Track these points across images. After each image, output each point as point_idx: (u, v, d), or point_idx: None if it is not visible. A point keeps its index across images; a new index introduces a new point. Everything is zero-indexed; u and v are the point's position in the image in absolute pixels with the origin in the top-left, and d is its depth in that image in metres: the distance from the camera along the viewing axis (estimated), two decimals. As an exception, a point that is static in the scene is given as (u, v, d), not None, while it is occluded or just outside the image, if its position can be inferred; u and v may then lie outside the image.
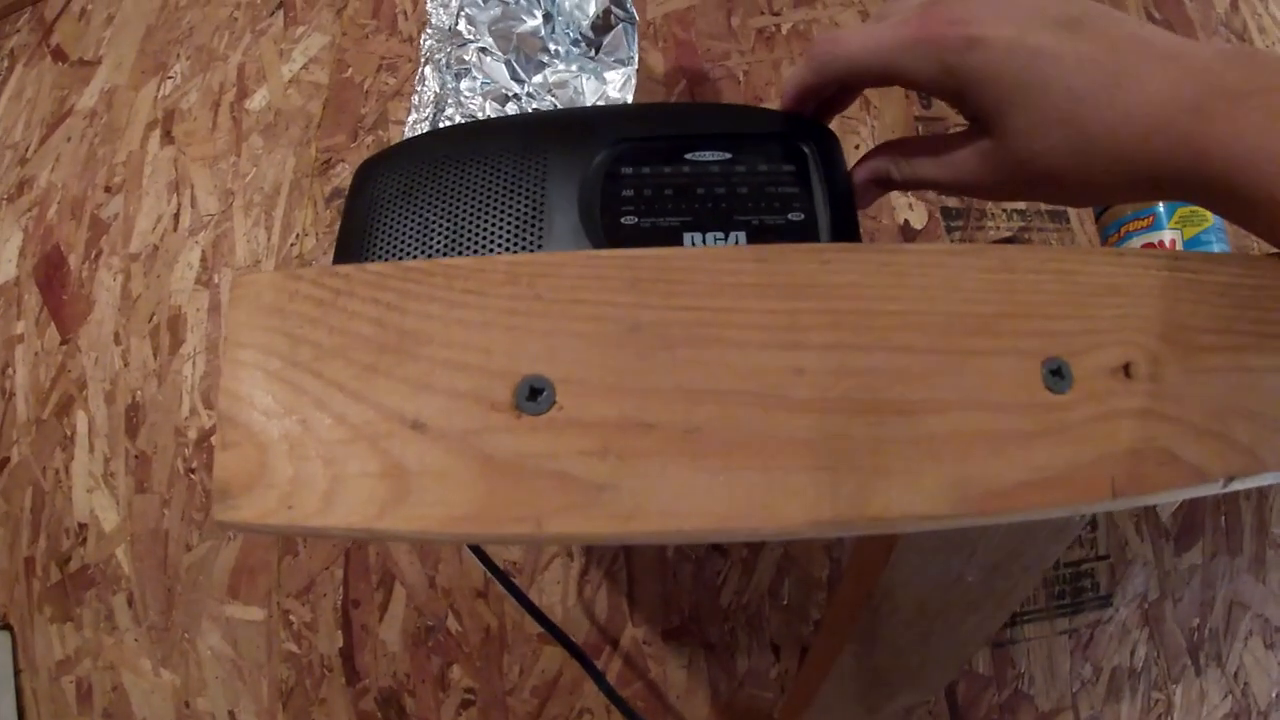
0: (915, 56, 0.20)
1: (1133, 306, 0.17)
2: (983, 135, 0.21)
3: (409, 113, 0.38)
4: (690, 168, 0.23)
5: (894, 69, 0.21)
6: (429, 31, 0.40)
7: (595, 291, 0.16)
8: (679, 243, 0.23)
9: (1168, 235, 0.41)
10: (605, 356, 0.15)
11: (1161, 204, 0.41)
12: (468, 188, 0.24)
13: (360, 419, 0.15)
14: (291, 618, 0.51)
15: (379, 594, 0.50)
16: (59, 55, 0.69)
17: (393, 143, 0.56)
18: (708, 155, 0.24)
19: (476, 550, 0.40)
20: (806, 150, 0.24)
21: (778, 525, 0.14)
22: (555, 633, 0.41)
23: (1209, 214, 0.40)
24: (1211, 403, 0.17)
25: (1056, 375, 0.16)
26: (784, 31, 0.59)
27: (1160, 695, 0.52)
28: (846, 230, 0.23)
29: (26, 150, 0.66)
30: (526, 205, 0.23)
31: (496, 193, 0.24)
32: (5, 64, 0.71)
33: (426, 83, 0.41)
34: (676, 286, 0.16)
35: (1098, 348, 0.17)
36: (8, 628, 0.56)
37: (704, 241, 0.23)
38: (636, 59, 0.43)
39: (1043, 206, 0.55)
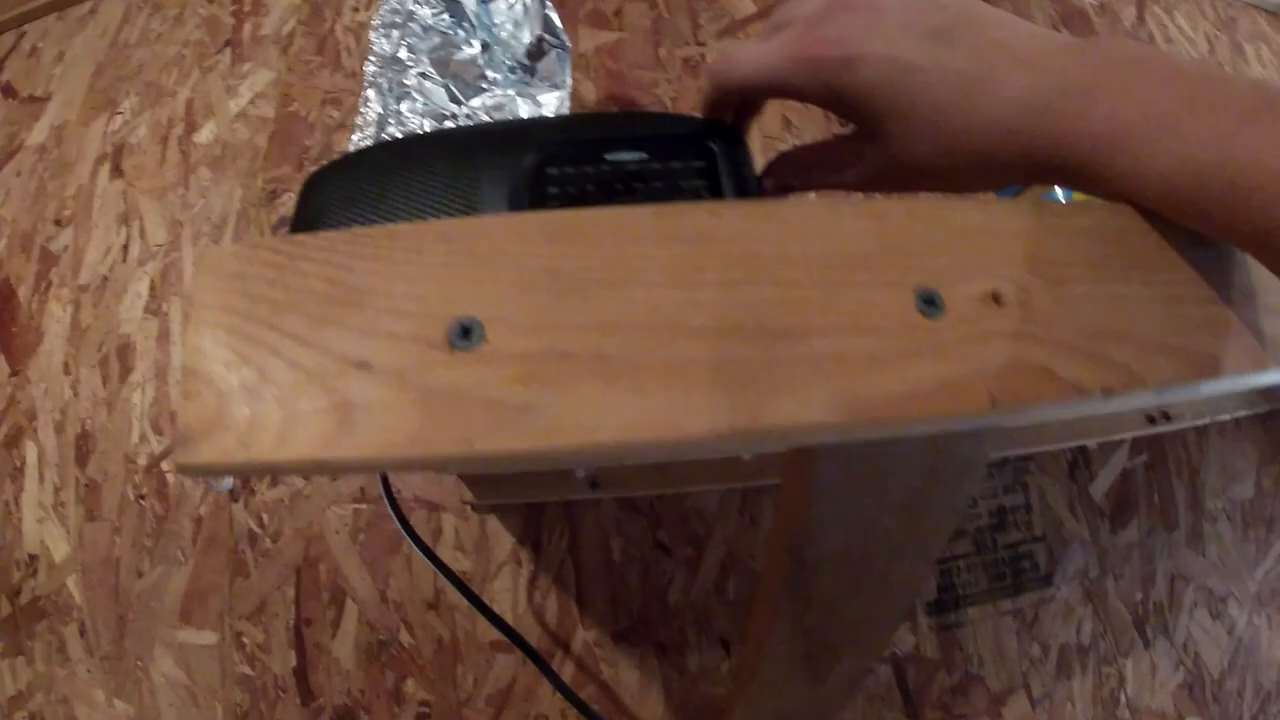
0: (799, 75, 0.23)
1: (998, 245, 0.19)
2: (865, 141, 0.24)
3: (354, 131, 0.41)
4: (610, 166, 0.26)
5: (780, 86, 0.23)
6: (372, 59, 0.44)
7: (518, 245, 0.18)
8: None
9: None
10: (527, 298, 0.17)
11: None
12: (408, 193, 0.26)
13: (311, 363, 0.17)
14: (244, 640, 0.52)
15: (330, 611, 0.52)
16: (9, 92, 0.72)
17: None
18: (626, 155, 0.26)
19: (430, 554, 0.42)
20: (715, 148, 0.27)
21: (681, 435, 0.16)
22: (508, 632, 0.43)
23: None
24: (1083, 326, 0.19)
25: (929, 303, 0.18)
26: (708, 60, 0.63)
27: (1111, 669, 0.54)
28: None
29: (-24, 188, 0.68)
30: (461, 206, 0.26)
31: (434, 196, 0.26)
32: (-44, 105, 0.73)
33: (370, 104, 0.44)
34: (588, 239, 0.18)
35: (966, 280, 0.19)
36: (-44, 667, 0.56)
37: None
38: (569, 83, 0.47)
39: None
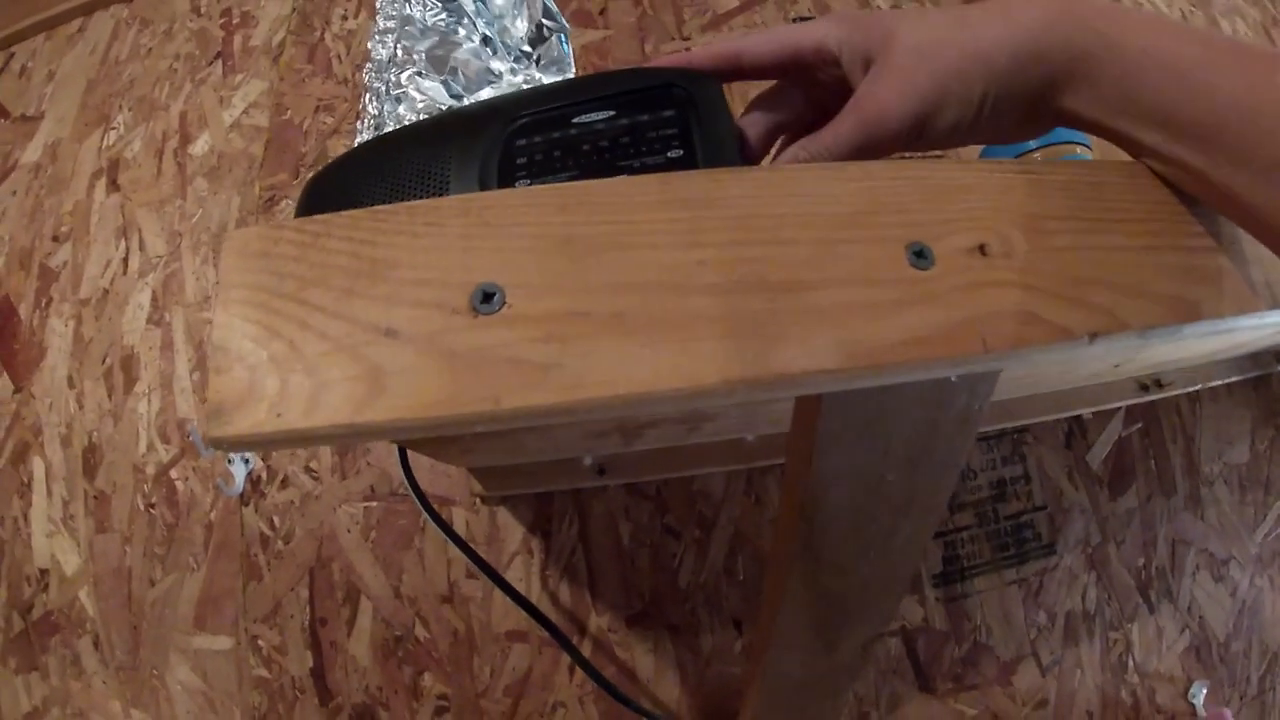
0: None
1: (981, 201, 0.21)
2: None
3: (356, 135, 0.43)
4: (577, 129, 0.27)
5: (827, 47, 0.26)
6: (369, 66, 0.46)
7: (532, 216, 0.19)
8: None
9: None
10: (544, 263, 0.19)
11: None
12: (388, 185, 0.28)
13: (340, 333, 0.18)
14: (260, 643, 0.54)
15: (345, 609, 0.54)
16: (0, 113, 0.74)
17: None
18: (593, 116, 0.27)
19: (454, 536, 0.44)
20: (684, 95, 0.27)
21: (696, 385, 0.18)
22: (528, 607, 0.45)
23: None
24: (1065, 274, 0.20)
25: (919, 256, 0.20)
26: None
27: (1118, 635, 0.56)
28: (724, 156, 0.27)
29: (-29, 209, 0.70)
30: (433, 190, 0.27)
31: (410, 184, 0.27)
32: (-54, 127, 0.75)
33: (367, 110, 0.46)
34: (597, 208, 0.20)
35: (953, 233, 0.20)
36: (-30, 685, 0.57)
37: None
38: (574, 63, 0.49)
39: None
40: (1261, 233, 0.21)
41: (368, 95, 0.46)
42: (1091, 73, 0.22)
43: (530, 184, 0.26)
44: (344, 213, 0.20)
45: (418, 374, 0.17)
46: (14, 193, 0.69)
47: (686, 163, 0.26)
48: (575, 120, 0.27)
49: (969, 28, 0.23)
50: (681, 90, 0.28)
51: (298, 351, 0.18)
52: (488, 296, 0.18)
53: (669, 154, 0.27)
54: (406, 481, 0.42)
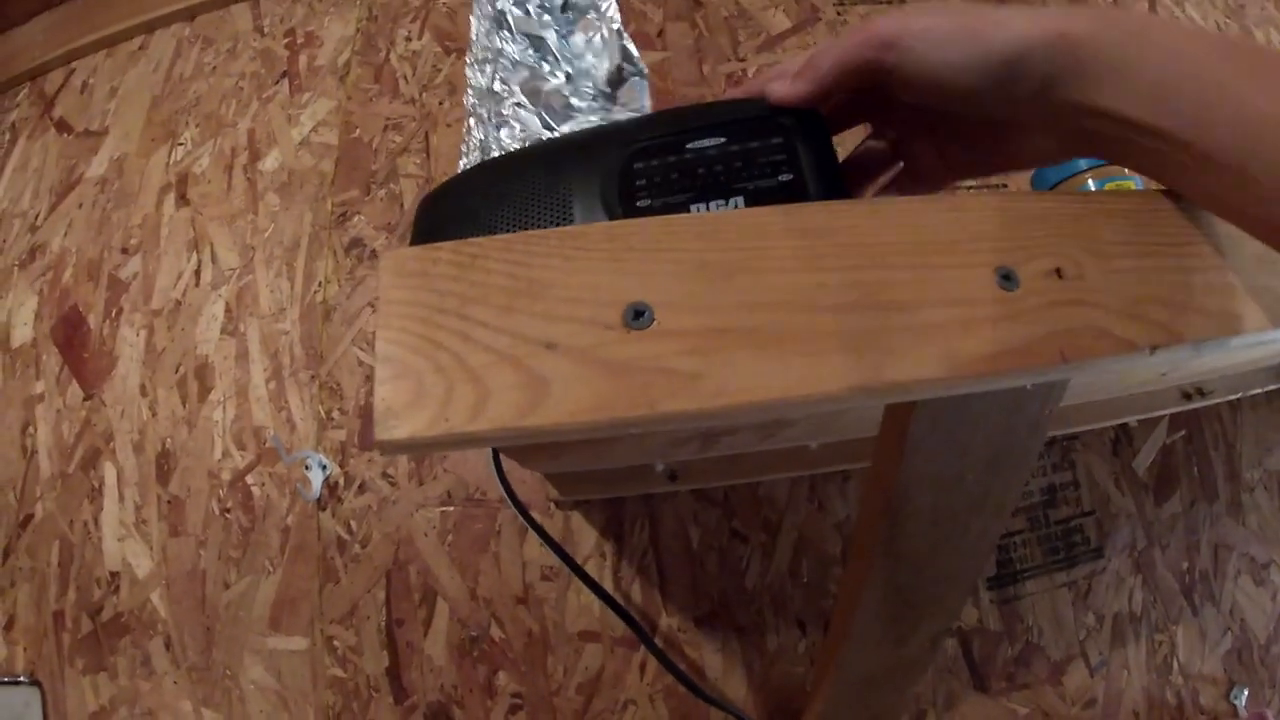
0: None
1: (1056, 229, 0.25)
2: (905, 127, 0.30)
3: (461, 157, 0.48)
4: (691, 154, 0.30)
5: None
6: (470, 92, 0.51)
7: (672, 242, 0.23)
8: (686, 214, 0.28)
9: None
10: (686, 285, 0.22)
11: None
12: (511, 204, 0.31)
13: (501, 345, 0.20)
14: (335, 643, 0.57)
15: (421, 610, 0.57)
16: (63, 127, 0.78)
17: (406, 194, 0.65)
18: (706, 142, 0.30)
19: (544, 535, 0.47)
20: (790, 124, 0.30)
21: (824, 392, 0.21)
22: (605, 598, 0.48)
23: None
24: (1129, 293, 0.24)
25: (1006, 279, 0.23)
26: (750, 75, 0.70)
27: (1163, 637, 0.60)
28: (831, 182, 0.29)
29: (36, 218, 0.73)
30: (558, 211, 0.30)
31: (533, 204, 0.30)
32: (7, 137, 0.79)
33: (473, 133, 0.51)
34: (730, 236, 0.23)
35: (1034, 258, 0.24)
36: (36, 683, 0.60)
37: (708, 210, 0.28)
38: (648, 106, 0.54)
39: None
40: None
41: (472, 120, 0.51)
42: (1122, 64, 0.23)
43: (650, 204, 0.29)
44: (496, 236, 0.23)
45: (578, 382, 0.20)
46: (80, 205, 0.73)
47: (796, 187, 0.29)
48: (689, 146, 0.30)
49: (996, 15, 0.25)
50: (787, 119, 0.31)
51: (462, 361, 0.20)
52: (638, 314, 0.21)
53: (779, 178, 0.30)
54: (502, 487, 0.45)
